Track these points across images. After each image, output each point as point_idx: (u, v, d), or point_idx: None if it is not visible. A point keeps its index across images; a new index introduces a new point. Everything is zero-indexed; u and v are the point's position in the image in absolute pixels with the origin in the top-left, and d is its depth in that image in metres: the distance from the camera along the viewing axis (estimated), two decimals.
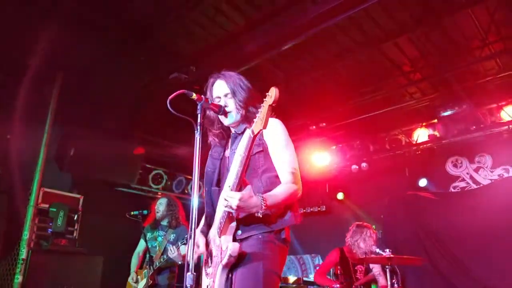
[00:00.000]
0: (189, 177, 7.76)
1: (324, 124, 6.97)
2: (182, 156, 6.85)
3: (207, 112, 2.35)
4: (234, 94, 2.27)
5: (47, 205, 5.43)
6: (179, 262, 4.40)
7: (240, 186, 1.94)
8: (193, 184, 2.01)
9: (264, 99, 1.83)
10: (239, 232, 2.09)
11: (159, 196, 5.12)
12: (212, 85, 2.35)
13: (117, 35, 4.87)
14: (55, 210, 5.39)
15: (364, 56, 5.49)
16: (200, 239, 2.27)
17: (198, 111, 2.12)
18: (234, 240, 2.07)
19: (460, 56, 5.32)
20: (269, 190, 2.06)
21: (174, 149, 6.93)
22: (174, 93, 2.10)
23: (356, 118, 6.64)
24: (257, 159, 2.17)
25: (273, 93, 1.80)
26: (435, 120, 6.49)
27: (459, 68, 5.38)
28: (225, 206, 1.90)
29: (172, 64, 5.30)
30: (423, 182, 6.81)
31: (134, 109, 6.19)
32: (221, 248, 2.05)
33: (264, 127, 1.81)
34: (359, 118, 6.63)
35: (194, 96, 2.12)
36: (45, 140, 5.38)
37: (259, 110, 1.84)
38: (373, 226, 5.32)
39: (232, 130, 2.39)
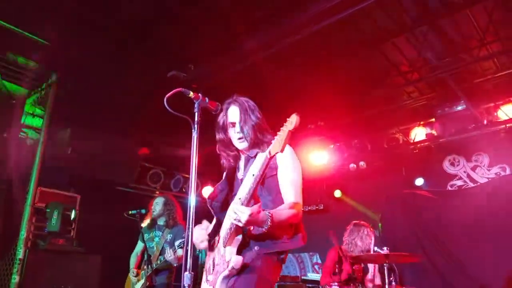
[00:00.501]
0: (187, 175, 7.75)
1: (322, 123, 6.98)
2: (180, 155, 6.84)
3: (220, 135, 2.43)
4: (247, 120, 2.33)
5: (44, 205, 5.42)
6: (175, 264, 4.39)
7: (251, 201, 1.99)
8: (191, 182, 2.01)
9: (285, 124, 1.88)
10: (256, 247, 2.14)
11: (157, 195, 5.08)
12: (227, 110, 2.41)
13: (116, 34, 4.85)
14: (49, 210, 5.37)
15: (363, 56, 5.50)
16: (200, 231, 2.36)
17: (195, 110, 2.12)
18: (239, 252, 2.11)
19: (457, 56, 5.33)
20: None
21: (172, 148, 6.92)
22: (171, 92, 2.09)
23: (354, 117, 6.64)
24: (271, 181, 2.24)
25: (293, 120, 1.86)
26: (433, 119, 6.51)
27: (456, 67, 5.39)
28: (234, 219, 1.93)
29: (170, 62, 5.28)
30: (419, 181, 6.83)
31: (132, 108, 6.17)
32: (225, 259, 2.09)
33: (282, 150, 1.87)
34: (357, 117, 6.63)
35: (191, 94, 2.12)
36: (42, 139, 5.35)
37: (278, 133, 1.89)
38: (371, 224, 5.34)
39: (245, 153, 2.43)
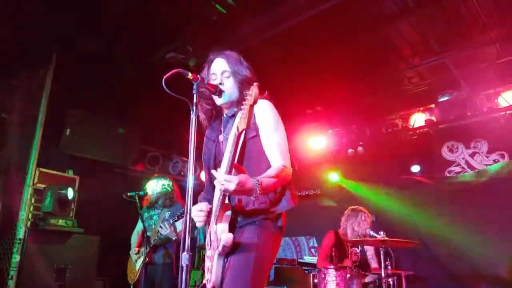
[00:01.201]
0: (185, 158, 7.76)
1: (320, 107, 6.96)
2: (178, 138, 6.83)
3: (201, 88, 2.29)
4: (233, 73, 2.25)
5: (43, 185, 5.44)
6: (173, 238, 4.45)
7: (231, 172, 1.93)
8: (189, 165, 2.01)
9: (246, 98, 1.81)
10: (239, 219, 2.11)
11: (154, 176, 5.11)
12: (211, 62, 2.33)
13: (114, 17, 4.79)
14: (44, 190, 5.40)
15: (363, 39, 5.44)
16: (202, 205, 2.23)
17: (194, 91, 2.09)
18: (230, 227, 2.07)
19: (459, 41, 5.29)
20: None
21: (170, 130, 6.90)
22: (169, 72, 2.07)
23: (353, 102, 6.62)
24: (252, 144, 2.16)
25: (252, 92, 1.79)
26: (433, 105, 6.49)
27: (458, 53, 5.35)
28: (223, 190, 1.88)
29: (169, 44, 5.23)
30: (415, 168, 6.84)
31: (131, 90, 6.14)
32: (217, 236, 2.07)
33: (247, 126, 1.83)
34: (356, 102, 6.61)
35: (190, 75, 2.08)
36: (40, 120, 5.34)
37: (242, 107, 1.83)
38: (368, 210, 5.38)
39: (224, 113, 2.37)
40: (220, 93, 2.23)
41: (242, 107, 1.84)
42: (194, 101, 2.08)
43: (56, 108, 5.71)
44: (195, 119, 2.05)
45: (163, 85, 2.05)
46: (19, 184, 5.29)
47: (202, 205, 2.21)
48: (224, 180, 1.82)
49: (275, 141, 2.13)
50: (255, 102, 1.80)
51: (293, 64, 5.90)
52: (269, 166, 2.11)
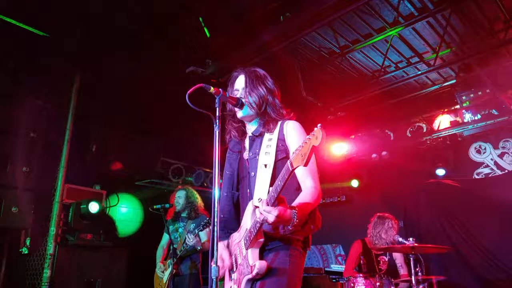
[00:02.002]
0: (208, 170, 7.81)
1: (342, 113, 6.89)
2: (201, 150, 6.89)
3: (228, 107, 2.38)
4: (252, 89, 2.28)
5: (71, 201, 5.57)
6: (198, 248, 4.48)
7: (275, 202, 1.91)
8: (214, 177, 2.02)
9: (308, 137, 1.74)
10: (268, 243, 2.11)
11: (178, 188, 5.17)
12: (235, 78, 2.38)
13: (134, 31, 4.91)
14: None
15: (383, 42, 5.39)
16: (224, 253, 2.28)
17: (216, 105, 2.12)
18: (262, 251, 2.09)
19: (482, 39, 5.17)
20: (294, 198, 2.05)
21: (193, 143, 6.98)
22: (192, 88, 2.10)
23: (375, 107, 6.54)
24: (281, 165, 2.12)
25: (319, 135, 1.69)
26: (457, 106, 6.34)
27: (481, 51, 5.22)
28: (260, 220, 1.89)
29: (188, 58, 5.31)
30: (440, 172, 6.69)
31: (153, 104, 6.24)
32: (248, 261, 2.07)
33: (305, 164, 1.74)
34: (378, 106, 6.53)
35: (212, 89, 2.11)
36: (67, 137, 5.49)
37: (301, 145, 1.76)
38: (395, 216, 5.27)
39: (249, 132, 2.38)
40: (241, 105, 2.26)
41: (301, 144, 1.76)
42: (217, 114, 2.10)
43: (82, 124, 5.86)
44: (218, 132, 2.06)
45: (187, 100, 2.08)
46: (48, 200, 5.43)
47: (225, 256, 2.25)
48: (264, 210, 1.84)
49: (307, 185, 2.11)
50: (320, 144, 1.71)
51: (313, 70, 5.89)
52: (298, 187, 2.14)
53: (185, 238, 4.59)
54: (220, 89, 2.15)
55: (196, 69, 5.13)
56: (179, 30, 5.05)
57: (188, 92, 2.08)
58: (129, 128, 6.59)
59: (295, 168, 1.80)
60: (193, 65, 5.13)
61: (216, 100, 2.12)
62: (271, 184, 2.00)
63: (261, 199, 1.91)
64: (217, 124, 2.08)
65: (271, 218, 1.83)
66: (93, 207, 5.55)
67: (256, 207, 2.02)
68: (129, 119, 6.48)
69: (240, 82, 2.35)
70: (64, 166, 5.41)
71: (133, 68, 5.51)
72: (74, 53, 5.17)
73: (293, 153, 1.81)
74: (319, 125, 1.72)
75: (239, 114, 2.31)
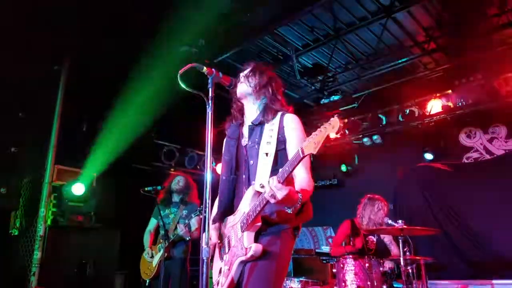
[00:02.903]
0: (201, 152, 7.78)
1: (336, 97, 6.89)
2: (194, 132, 6.84)
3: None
4: (250, 75, 2.33)
5: (62, 182, 5.52)
6: (187, 238, 4.52)
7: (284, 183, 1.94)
8: (206, 159, 2.01)
9: (324, 126, 1.76)
10: (262, 227, 2.14)
11: (172, 172, 5.18)
12: (242, 71, 2.42)
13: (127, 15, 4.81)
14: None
15: (378, 26, 5.35)
16: (213, 232, 2.34)
17: (209, 85, 2.09)
18: (256, 237, 2.11)
19: (476, 24, 5.15)
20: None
21: (186, 125, 6.91)
22: (184, 67, 2.06)
23: (368, 91, 6.53)
24: (281, 155, 2.21)
25: (336, 125, 1.72)
26: (449, 91, 6.35)
27: (475, 37, 5.21)
28: (269, 195, 1.89)
29: (182, 38, 5.22)
30: (429, 156, 6.75)
31: (145, 86, 6.16)
32: (243, 243, 2.09)
33: (317, 152, 1.76)
34: (371, 90, 6.52)
35: (205, 69, 2.09)
36: (57, 117, 5.41)
37: (316, 132, 1.77)
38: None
39: (249, 120, 2.40)
40: (235, 85, 2.29)
41: (316, 132, 1.78)
42: (210, 95, 2.07)
43: (72, 104, 5.78)
44: (211, 114, 2.04)
45: (178, 79, 2.05)
46: (38, 181, 5.38)
47: (213, 235, 2.32)
48: (275, 187, 1.84)
49: (301, 176, 2.14)
50: (336, 132, 1.75)
51: (308, 53, 5.85)
52: (289, 180, 2.13)
53: (179, 223, 4.63)
54: (213, 69, 2.12)
55: (189, 49, 5.05)
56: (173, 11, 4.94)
57: (180, 71, 2.05)
58: (120, 108, 6.50)
59: (306, 156, 1.82)
60: (186, 45, 5.05)
61: (209, 81, 2.10)
62: (272, 172, 2.05)
63: (263, 184, 1.93)
64: (210, 105, 2.05)
65: (280, 195, 1.84)
66: (78, 189, 5.46)
67: (258, 192, 2.06)
68: (121, 99, 6.39)
69: (244, 71, 2.39)
70: (54, 147, 5.35)
71: (124, 48, 5.42)
72: (64, 30, 5.05)
73: (306, 140, 1.82)
74: (335, 115, 1.77)
75: (237, 90, 2.35)
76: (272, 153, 2.14)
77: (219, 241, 2.34)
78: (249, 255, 2.05)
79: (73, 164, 5.92)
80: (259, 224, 2.12)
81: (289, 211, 1.95)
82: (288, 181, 2.12)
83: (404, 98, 6.78)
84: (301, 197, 1.94)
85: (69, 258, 5.18)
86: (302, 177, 2.12)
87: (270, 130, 2.23)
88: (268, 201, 1.94)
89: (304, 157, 1.83)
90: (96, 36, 5.10)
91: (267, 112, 2.29)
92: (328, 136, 1.71)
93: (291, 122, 2.25)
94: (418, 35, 5.58)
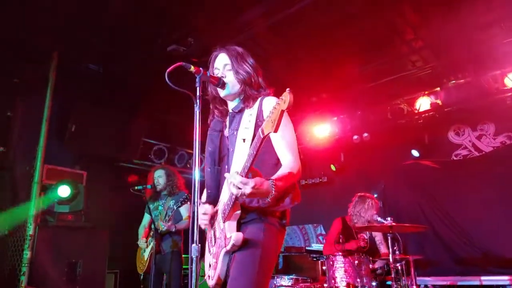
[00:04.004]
0: (191, 151, 7.77)
1: (325, 95, 6.91)
2: (183, 131, 6.83)
3: (209, 89, 2.36)
4: (232, 65, 2.26)
5: (51, 182, 5.49)
6: (173, 229, 4.60)
7: (248, 175, 1.90)
8: (195, 157, 2.01)
9: (277, 102, 1.72)
10: (244, 215, 2.11)
11: (155, 168, 5.17)
12: (215, 57, 2.35)
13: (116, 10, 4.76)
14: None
15: (366, 24, 5.37)
16: (207, 208, 2.26)
17: (197, 84, 2.09)
18: (238, 224, 2.09)
19: (463, 22, 5.19)
20: (273, 173, 2.02)
21: (175, 123, 6.90)
22: (172, 66, 2.06)
23: (357, 88, 6.56)
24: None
25: (287, 98, 1.68)
26: (438, 88, 6.42)
27: (462, 34, 5.26)
28: (237, 193, 1.84)
29: (170, 36, 5.20)
30: (415, 153, 6.81)
31: (134, 84, 6.13)
32: (225, 234, 2.07)
33: (275, 130, 1.72)
34: (360, 88, 6.55)
35: (192, 68, 2.08)
36: (46, 116, 5.36)
37: (271, 111, 1.75)
38: (375, 195, 5.38)
39: (230, 108, 2.37)
40: (223, 85, 2.24)
41: (271, 110, 1.75)
42: (198, 94, 2.07)
43: (61, 104, 5.73)
44: (199, 112, 2.04)
45: (166, 79, 2.05)
46: (27, 181, 5.34)
47: (207, 208, 2.24)
48: (240, 182, 1.80)
49: (285, 139, 2.12)
50: (288, 108, 1.69)
51: (297, 51, 5.84)
52: (277, 163, 2.13)
53: (166, 216, 4.68)
54: (200, 68, 2.11)
55: (177, 47, 5.03)
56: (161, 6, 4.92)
57: (168, 70, 2.05)
58: (110, 108, 6.47)
59: (267, 135, 1.77)
60: (175, 43, 5.03)
61: (197, 79, 2.09)
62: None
63: (238, 172, 1.88)
64: (198, 104, 2.05)
65: (247, 190, 1.79)
66: (64, 191, 5.41)
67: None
68: (110, 98, 6.35)
69: (220, 61, 2.31)
70: (43, 146, 5.30)
71: (113, 46, 5.38)
72: (52, 29, 5.00)
73: (264, 120, 1.79)
74: (287, 89, 1.70)
75: (222, 93, 2.29)
76: (249, 138, 2.06)
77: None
78: (229, 245, 2.02)
79: (63, 163, 5.89)
80: (239, 212, 2.08)
81: (267, 200, 1.89)
82: (273, 164, 2.13)
83: (393, 95, 6.82)
84: (273, 185, 1.87)
85: (59, 258, 5.15)
86: (286, 161, 2.07)
87: (249, 115, 2.17)
88: (236, 198, 1.91)
89: (265, 137, 1.78)
90: (83, 32, 5.04)
91: (248, 98, 2.24)
92: (283, 112, 1.69)
93: (269, 105, 2.16)
94: (406, 33, 5.61)
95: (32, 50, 5.31)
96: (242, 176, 1.83)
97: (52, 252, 5.12)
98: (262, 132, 1.78)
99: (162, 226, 4.56)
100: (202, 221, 2.22)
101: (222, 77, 2.26)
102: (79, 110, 6.11)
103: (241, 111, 2.28)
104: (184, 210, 4.74)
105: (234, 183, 1.81)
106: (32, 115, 5.42)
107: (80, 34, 5.12)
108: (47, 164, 5.47)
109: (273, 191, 1.87)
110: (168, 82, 2.06)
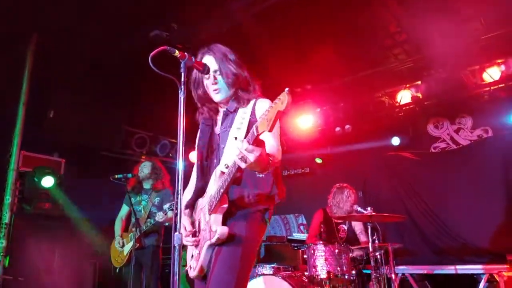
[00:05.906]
0: (173, 140, 7.69)
1: (309, 86, 6.92)
2: (166, 119, 6.74)
3: (198, 91, 2.37)
4: (221, 71, 2.27)
5: (27, 169, 5.36)
6: (166, 224, 4.50)
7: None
8: (178, 146, 1.98)
9: (275, 101, 1.71)
10: (230, 210, 2.13)
11: (143, 160, 5.11)
12: (201, 60, 2.32)
13: None
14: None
15: (350, 16, 5.38)
16: (186, 221, 2.29)
17: (182, 69, 2.05)
18: (224, 218, 2.10)
19: (444, 16, 5.26)
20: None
21: (158, 111, 6.80)
22: (156, 50, 2.02)
23: (341, 81, 6.59)
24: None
25: (285, 99, 1.66)
26: (419, 82, 6.51)
27: (443, 28, 5.33)
28: (239, 158, 1.81)
29: (153, 22, 5.09)
30: (395, 141, 6.90)
31: (116, 70, 6.00)
32: (210, 227, 2.08)
33: (270, 130, 1.71)
34: (343, 80, 6.59)
35: (177, 53, 2.04)
36: (22, 102, 5.21)
37: (267, 109, 1.73)
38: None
39: (223, 107, 2.38)
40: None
41: (267, 109, 1.74)
42: (182, 79, 2.03)
43: (39, 89, 5.57)
44: (183, 99, 2.01)
45: (150, 63, 2.01)
46: (3, 168, 5.20)
47: (187, 224, 2.26)
48: (246, 149, 1.77)
49: (270, 143, 2.09)
50: (285, 109, 1.67)
51: (281, 42, 5.82)
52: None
53: (151, 212, 4.57)
54: (185, 53, 2.07)
55: (160, 33, 4.94)
56: None
57: (151, 54, 2.01)
58: (89, 94, 6.32)
59: (261, 133, 1.77)
60: (158, 29, 4.93)
61: (182, 65, 2.05)
62: None
63: (227, 165, 1.91)
64: (182, 89, 2.02)
65: (252, 157, 1.77)
66: (47, 181, 5.31)
67: (223, 173, 2.05)
68: (90, 85, 6.20)
69: (209, 65, 2.27)
70: (20, 133, 5.16)
71: (94, 31, 5.24)
72: (31, 11, 4.83)
73: (260, 117, 1.78)
74: (286, 89, 1.70)
75: (216, 99, 2.31)
76: (241, 138, 2.06)
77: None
78: (214, 238, 2.03)
79: (40, 150, 5.75)
80: (226, 205, 2.10)
81: (260, 176, 1.95)
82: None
83: (375, 88, 6.89)
84: (271, 160, 1.92)
85: (37, 247, 5.05)
86: (271, 144, 2.08)
87: (243, 114, 2.22)
88: (226, 190, 1.92)
89: (258, 135, 1.78)
90: (64, 16, 4.89)
91: (242, 97, 2.28)
92: (279, 112, 1.68)
93: (263, 108, 2.18)
94: (390, 25, 5.65)
95: (10, 31, 5.12)
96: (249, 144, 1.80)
97: (28, 241, 5.02)
98: (257, 130, 1.78)
99: (160, 217, 4.41)
100: (187, 241, 2.22)
101: (215, 83, 2.27)
102: (58, 96, 5.96)
103: (235, 110, 2.30)
104: (171, 213, 4.64)
105: (240, 149, 1.79)
106: (9, 100, 5.26)
107: (60, 19, 4.96)
108: (24, 151, 5.34)
109: (270, 166, 1.92)
110: (152, 66, 2.02)
